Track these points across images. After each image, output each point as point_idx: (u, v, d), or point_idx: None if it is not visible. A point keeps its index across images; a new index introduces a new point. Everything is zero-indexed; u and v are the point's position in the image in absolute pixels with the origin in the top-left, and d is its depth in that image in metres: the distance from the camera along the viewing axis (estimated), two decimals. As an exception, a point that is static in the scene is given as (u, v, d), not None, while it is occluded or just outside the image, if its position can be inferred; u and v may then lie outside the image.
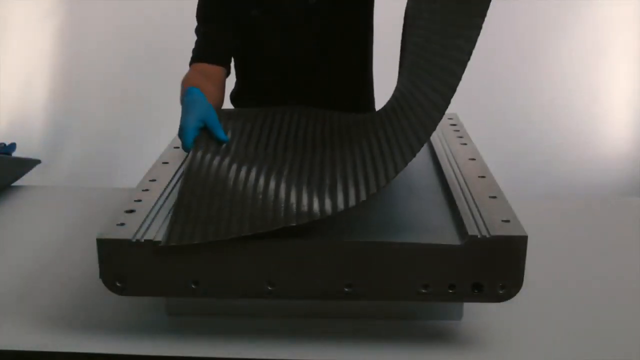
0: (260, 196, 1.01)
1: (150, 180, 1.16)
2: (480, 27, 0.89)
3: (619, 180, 3.20)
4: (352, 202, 0.95)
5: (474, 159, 1.24)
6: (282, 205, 0.98)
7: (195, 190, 1.06)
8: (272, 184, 1.04)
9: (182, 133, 1.27)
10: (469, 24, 0.92)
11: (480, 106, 3.04)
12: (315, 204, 0.97)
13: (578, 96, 3.34)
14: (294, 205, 0.97)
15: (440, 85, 0.96)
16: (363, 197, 0.95)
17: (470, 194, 1.07)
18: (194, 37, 1.64)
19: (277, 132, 1.35)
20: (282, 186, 1.04)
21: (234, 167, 1.12)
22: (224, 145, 1.25)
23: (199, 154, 1.18)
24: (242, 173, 1.09)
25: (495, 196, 1.06)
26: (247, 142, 1.29)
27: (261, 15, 1.56)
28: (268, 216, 0.96)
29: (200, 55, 1.55)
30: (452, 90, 0.91)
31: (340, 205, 0.95)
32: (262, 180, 1.06)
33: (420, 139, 0.96)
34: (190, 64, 1.57)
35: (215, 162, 1.15)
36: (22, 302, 1.14)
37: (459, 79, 0.90)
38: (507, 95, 3.29)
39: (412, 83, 1.14)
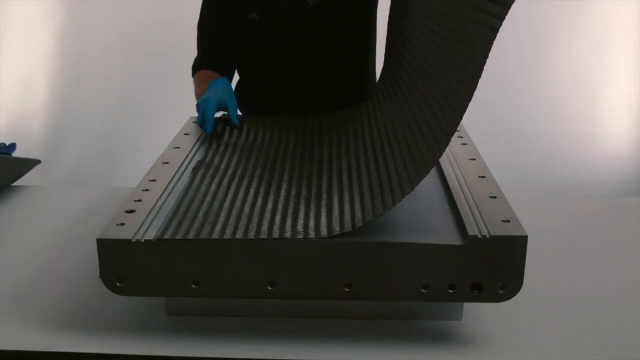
0: (256, 217, 1.02)
1: (150, 180, 1.16)
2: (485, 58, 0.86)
3: (619, 180, 3.19)
4: (347, 226, 0.96)
5: (474, 159, 1.24)
6: (278, 224, 0.99)
7: (195, 199, 1.09)
8: (270, 205, 1.06)
9: (202, 100, 1.43)
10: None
11: (480, 106, 3.03)
12: (311, 224, 0.98)
13: (578, 96, 3.34)
14: (289, 224, 0.99)
15: (439, 132, 0.94)
16: (359, 222, 0.96)
17: (470, 194, 1.07)
18: (194, 38, 1.65)
19: (280, 141, 1.38)
20: (279, 207, 1.05)
21: (233, 187, 1.14)
22: (226, 158, 1.28)
23: (200, 172, 1.20)
24: (241, 193, 1.11)
25: (495, 196, 1.06)
26: (243, 151, 1.32)
27: (260, 18, 1.57)
28: (263, 230, 0.97)
29: (203, 64, 1.64)
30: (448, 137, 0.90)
31: (336, 227, 0.97)
32: (259, 202, 1.07)
33: (420, 173, 0.95)
34: (195, 70, 1.65)
35: (217, 179, 1.17)
36: (22, 302, 1.14)
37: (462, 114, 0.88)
38: (507, 95, 3.28)
39: (417, 106, 1.13)
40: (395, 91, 1.31)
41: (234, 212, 1.03)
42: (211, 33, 1.63)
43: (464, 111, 0.87)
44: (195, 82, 1.65)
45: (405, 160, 1.03)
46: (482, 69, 0.84)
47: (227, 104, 1.45)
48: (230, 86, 1.54)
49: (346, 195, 1.06)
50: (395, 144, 1.13)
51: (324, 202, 1.06)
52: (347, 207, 1.02)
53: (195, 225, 0.99)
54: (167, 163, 1.25)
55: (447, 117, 0.92)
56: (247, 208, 1.05)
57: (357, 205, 1.01)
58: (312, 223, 0.99)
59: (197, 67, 1.66)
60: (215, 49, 1.64)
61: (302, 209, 1.04)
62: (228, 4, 1.58)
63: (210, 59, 1.64)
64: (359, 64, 1.68)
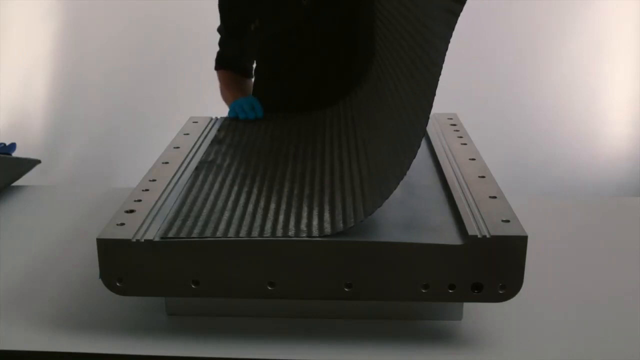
0: (260, 216, 1.02)
1: (150, 180, 1.16)
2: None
3: (619, 180, 3.19)
4: (350, 221, 0.96)
5: (474, 159, 1.24)
6: (281, 223, 0.99)
7: (199, 197, 1.09)
8: (273, 205, 1.06)
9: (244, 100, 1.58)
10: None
11: (480, 106, 3.04)
12: (315, 222, 0.99)
13: (578, 96, 3.34)
14: (293, 224, 0.99)
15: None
16: (361, 217, 0.97)
17: (470, 194, 1.07)
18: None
19: (282, 140, 1.39)
20: (283, 207, 1.05)
21: (236, 186, 1.14)
22: (228, 158, 1.29)
23: (203, 172, 1.20)
24: (244, 193, 1.11)
25: (495, 196, 1.06)
26: (245, 150, 1.33)
27: (261, 26, 1.59)
28: (266, 229, 0.97)
29: (224, 64, 1.76)
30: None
31: (339, 224, 0.97)
32: (263, 202, 1.08)
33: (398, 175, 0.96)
34: (218, 66, 1.77)
35: (220, 178, 1.18)
36: (22, 302, 1.14)
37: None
38: (507, 95, 3.28)
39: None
40: (376, 76, 1.34)
41: (238, 211, 1.04)
42: (226, 43, 1.73)
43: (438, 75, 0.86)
44: (221, 82, 1.75)
45: (393, 146, 1.03)
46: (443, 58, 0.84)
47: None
48: (259, 107, 1.60)
49: (348, 190, 1.06)
50: (381, 131, 1.14)
51: (326, 198, 1.06)
52: (349, 202, 1.02)
53: (199, 224, 0.99)
54: (167, 163, 1.25)
55: (424, 90, 0.91)
56: (250, 207, 1.05)
57: (359, 198, 1.01)
58: (315, 222, 0.99)
59: (219, 64, 1.76)
60: (231, 54, 1.75)
61: (305, 208, 1.04)
62: (234, 18, 1.64)
63: (228, 60, 1.75)
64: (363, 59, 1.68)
